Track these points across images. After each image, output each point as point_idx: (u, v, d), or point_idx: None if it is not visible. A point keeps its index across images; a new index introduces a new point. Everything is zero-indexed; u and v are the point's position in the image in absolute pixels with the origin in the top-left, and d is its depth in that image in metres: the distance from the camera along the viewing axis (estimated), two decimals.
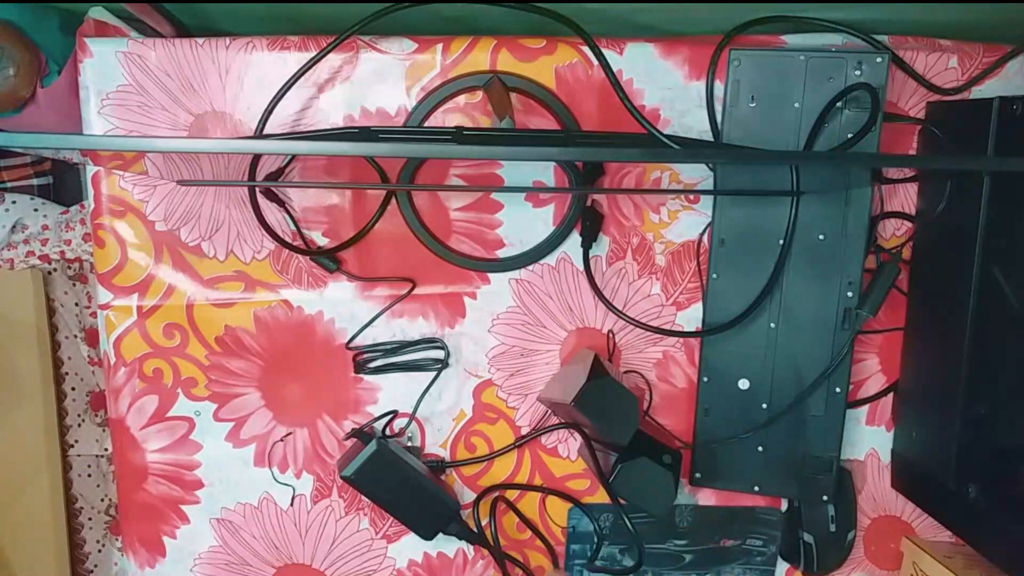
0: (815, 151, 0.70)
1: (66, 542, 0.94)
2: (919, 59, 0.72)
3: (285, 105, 0.70)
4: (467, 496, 0.79)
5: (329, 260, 0.74)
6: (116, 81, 0.69)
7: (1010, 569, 0.69)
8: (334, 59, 0.70)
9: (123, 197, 0.72)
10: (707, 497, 0.80)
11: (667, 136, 0.68)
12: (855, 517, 0.80)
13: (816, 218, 0.71)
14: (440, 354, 0.76)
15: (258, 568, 0.80)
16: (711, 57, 0.71)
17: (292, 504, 0.78)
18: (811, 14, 0.70)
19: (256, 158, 0.70)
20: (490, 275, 0.75)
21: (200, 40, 0.69)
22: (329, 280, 0.75)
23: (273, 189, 0.72)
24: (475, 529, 0.76)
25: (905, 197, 0.76)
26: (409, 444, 0.77)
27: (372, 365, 0.76)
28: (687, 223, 0.75)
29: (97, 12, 0.70)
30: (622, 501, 0.71)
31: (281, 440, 0.77)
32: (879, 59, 0.68)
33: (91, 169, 0.72)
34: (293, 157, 0.72)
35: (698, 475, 0.77)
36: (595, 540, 0.79)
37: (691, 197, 0.75)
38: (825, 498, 0.75)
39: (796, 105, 0.70)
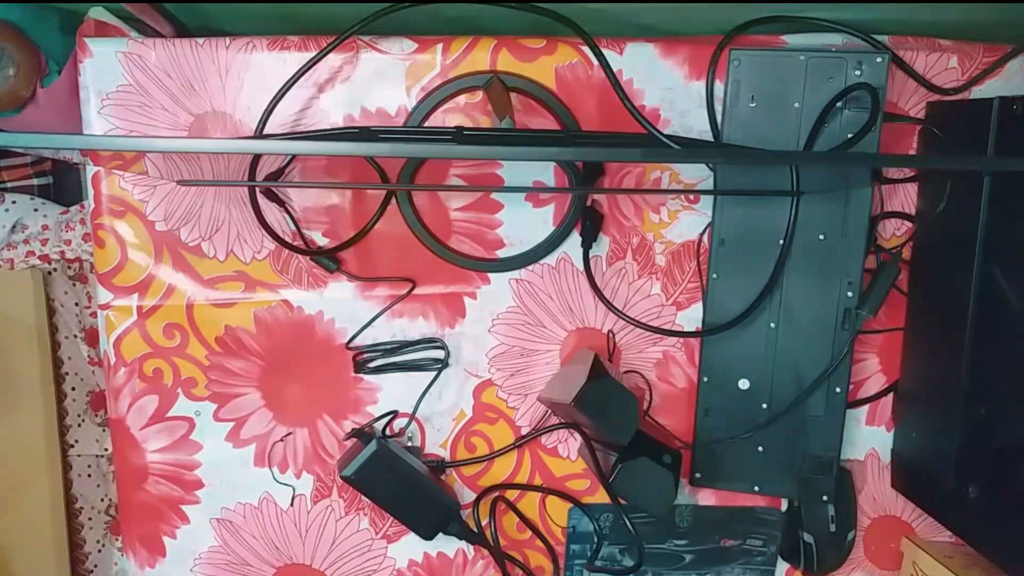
0: (815, 151, 0.70)
1: (66, 542, 0.94)
2: (919, 59, 0.72)
3: (285, 105, 0.70)
4: (467, 496, 0.79)
5: (329, 260, 0.74)
6: (116, 81, 0.69)
7: (1010, 569, 0.69)
8: (334, 59, 0.70)
9: (123, 197, 0.72)
10: (707, 497, 0.80)
11: (667, 136, 0.68)
12: (855, 517, 0.80)
13: (816, 218, 0.71)
14: (440, 354, 0.76)
15: (258, 568, 0.80)
16: (711, 57, 0.71)
17: (292, 504, 0.78)
18: (811, 14, 0.70)
19: (256, 158, 0.70)
20: (490, 275, 0.75)
21: (200, 40, 0.69)
22: (329, 280, 0.75)
23: (273, 189, 0.72)
24: (475, 529, 0.76)
25: (905, 197, 0.76)
26: (409, 444, 0.77)
27: (372, 365, 0.76)
28: (687, 223, 0.75)
29: (97, 12, 0.70)
30: (622, 501, 0.71)
31: (281, 440, 0.77)
32: (879, 59, 0.68)
33: (91, 169, 0.72)
34: (293, 157, 0.72)
35: (698, 475, 0.77)
36: (595, 540, 0.79)
37: (691, 197, 0.75)
38: (825, 498, 0.75)
39: (796, 105, 0.69)
